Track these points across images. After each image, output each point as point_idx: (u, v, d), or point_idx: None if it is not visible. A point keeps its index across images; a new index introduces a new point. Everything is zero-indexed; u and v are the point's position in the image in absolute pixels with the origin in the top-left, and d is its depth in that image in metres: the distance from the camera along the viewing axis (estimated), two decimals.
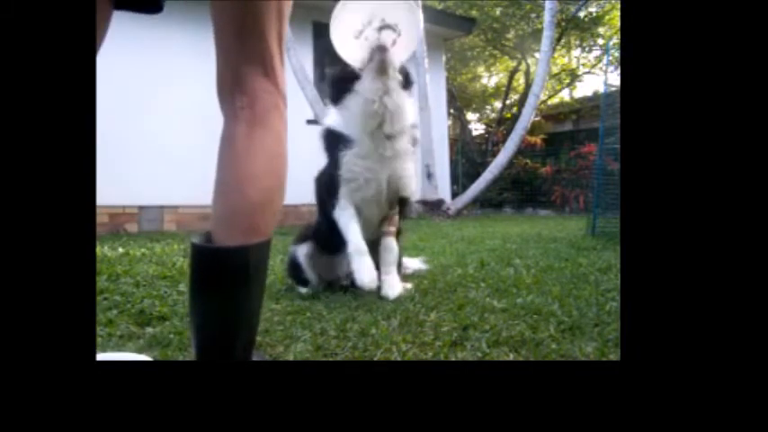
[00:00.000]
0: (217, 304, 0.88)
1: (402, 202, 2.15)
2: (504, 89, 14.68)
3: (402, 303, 1.86)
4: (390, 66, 1.88)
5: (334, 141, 1.97)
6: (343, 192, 1.97)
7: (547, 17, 7.43)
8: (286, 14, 0.95)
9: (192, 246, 0.89)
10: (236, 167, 0.89)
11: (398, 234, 2.24)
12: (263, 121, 0.91)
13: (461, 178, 11.58)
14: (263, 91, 0.92)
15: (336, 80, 1.99)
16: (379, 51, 1.87)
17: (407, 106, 2.00)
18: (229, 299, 0.88)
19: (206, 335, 0.89)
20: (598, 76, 14.82)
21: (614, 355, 1.29)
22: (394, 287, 2.00)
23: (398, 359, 1.31)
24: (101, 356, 1.22)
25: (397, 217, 2.12)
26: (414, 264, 2.58)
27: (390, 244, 2.07)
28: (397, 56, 1.92)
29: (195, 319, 0.90)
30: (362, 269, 1.89)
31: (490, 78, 16.52)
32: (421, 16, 2.06)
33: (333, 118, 2.02)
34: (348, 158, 1.94)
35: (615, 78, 9.59)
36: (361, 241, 1.94)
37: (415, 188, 2.09)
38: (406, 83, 2.00)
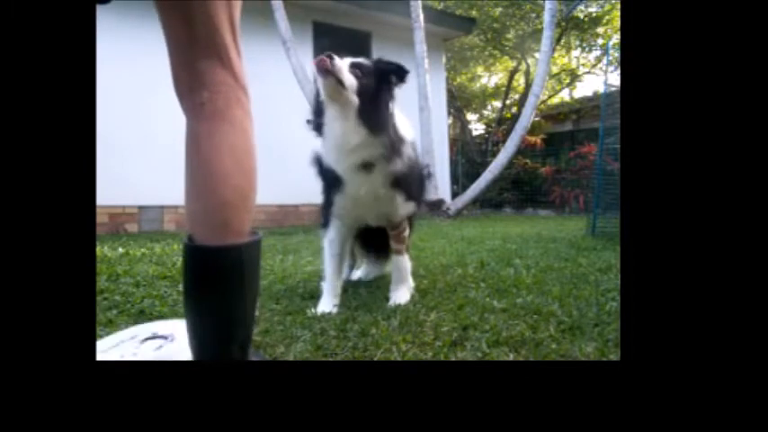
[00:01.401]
0: (207, 303, 0.88)
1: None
2: (504, 89, 14.68)
3: (402, 303, 1.86)
4: (338, 87, 1.65)
5: (322, 170, 1.92)
6: (333, 221, 1.98)
7: (547, 17, 7.43)
8: (237, 2, 0.92)
9: (183, 246, 0.89)
10: (204, 167, 0.88)
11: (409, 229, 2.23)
12: (226, 116, 0.89)
13: (461, 178, 11.58)
14: (222, 84, 0.89)
15: (314, 112, 1.83)
16: (320, 73, 1.63)
17: (381, 124, 1.72)
18: (220, 298, 0.88)
19: (200, 334, 0.89)
20: (598, 76, 14.83)
21: (614, 355, 1.29)
22: (400, 298, 2.01)
23: (398, 359, 1.31)
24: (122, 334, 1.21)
25: (405, 234, 2.07)
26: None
27: (398, 263, 2.05)
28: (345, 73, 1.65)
29: (189, 318, 0.90)
30: (323, 301, 1.92)
31: (490, 78, 16.52)
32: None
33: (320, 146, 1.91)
34: (334, 196, 1.91)
35: (615, 78, 9.60)
36: (334, 280, 1.95)
37: (403, 213, 1.99)
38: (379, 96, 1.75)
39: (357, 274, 2.44)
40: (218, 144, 0.88)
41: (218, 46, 0.89)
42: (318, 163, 1.90)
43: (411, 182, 1.92)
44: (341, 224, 1.97)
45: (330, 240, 1.98)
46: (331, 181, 1.87)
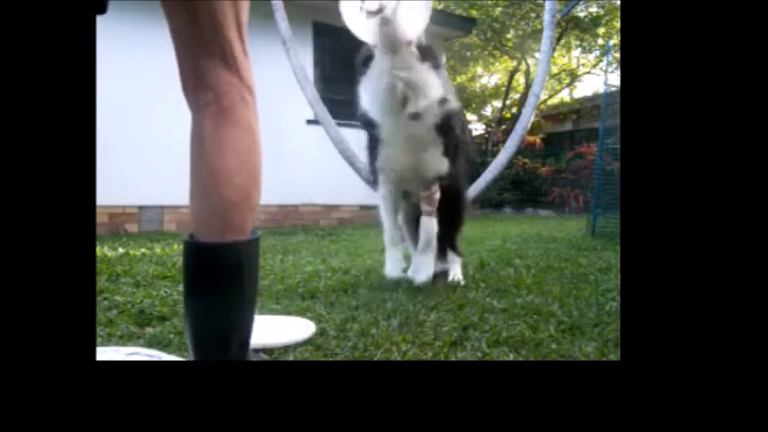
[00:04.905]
0: (206, 301, 0.88)
1: (443, 180, 2.06)
2: (504, 89, 14.67)
3: (402, 303, 1.86)
4: (398, 40, 1.69)
5: (367, 124, 1.94)
6: (380, 177, 2.02)
7: (547, 17, 7.39)
8: (244, 1, 0.92)
9: (183, 243, 0.89)
10: (208, 166, 0.88)
11: (458, 222, 2.26)
12: (231, 116, 0.89)
13: None
14: (226, 84, 0.90)
15: (362, 61, 1.86)
16: (383, 25, 1.65)
17: (429, 81, 1.82)
18: (218, 295, 0.88)
19: (198, 333, 0.89)
20: (598, 76, 14.82)
21: (614, 355, 1.29)
22: (421, 271, 1.97)
23: (398, 359, 1.31)
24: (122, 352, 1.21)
25: (436, 196, 2.04)
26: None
27: (426, 224, 2.01)
28: (408, 25, 1.69)
29: (188, 317, 0.90)
30: (388, 262, 1.98)
31: (490, 78, 16.52)
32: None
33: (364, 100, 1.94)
34: (378, 149, 1.95)
35: (615, 78, 9.59)
36: (393, 232, 1.99)
37: (441, 169, 1.97)
38: (427, 58, 1.84)
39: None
40: (223, 143, 0.88)
41: (223, 45, 0.89)
42: (364, 119, 1.92)
43: (450, 137, 1.93)
44: (388, 181, 1.99)
45: (383, 196, 2.03)
46: (375, 136, 1.91)
